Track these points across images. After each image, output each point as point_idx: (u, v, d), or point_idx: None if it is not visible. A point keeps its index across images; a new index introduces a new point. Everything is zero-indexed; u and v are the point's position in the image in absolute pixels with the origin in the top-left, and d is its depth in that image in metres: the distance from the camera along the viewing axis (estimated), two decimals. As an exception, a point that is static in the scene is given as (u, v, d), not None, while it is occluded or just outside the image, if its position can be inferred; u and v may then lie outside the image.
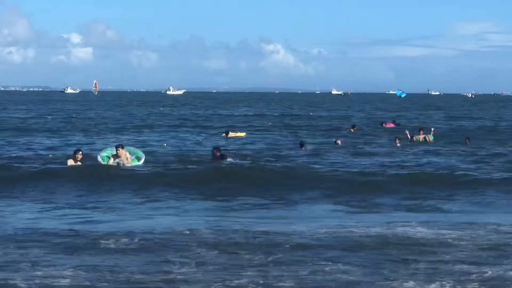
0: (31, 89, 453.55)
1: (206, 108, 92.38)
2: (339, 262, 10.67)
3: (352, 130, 44.45)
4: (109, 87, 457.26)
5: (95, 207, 16.13)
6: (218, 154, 23.55)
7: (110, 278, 9.66)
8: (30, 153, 28.12)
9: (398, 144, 32.30)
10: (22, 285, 9.28)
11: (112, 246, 11.59)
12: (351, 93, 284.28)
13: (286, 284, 9.52)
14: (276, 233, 12.79)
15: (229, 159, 23.59)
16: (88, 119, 57.39)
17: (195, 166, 22.40)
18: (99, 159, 21.73)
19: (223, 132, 41.21)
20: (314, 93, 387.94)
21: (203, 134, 42.02)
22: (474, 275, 10.01)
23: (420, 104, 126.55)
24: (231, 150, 29.52)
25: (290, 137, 39.08)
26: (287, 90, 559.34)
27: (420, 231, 13.13)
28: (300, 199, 17.58)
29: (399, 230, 13.24)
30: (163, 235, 12.49)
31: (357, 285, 9.57)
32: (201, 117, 64.69)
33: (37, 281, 9.44)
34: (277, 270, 10.22)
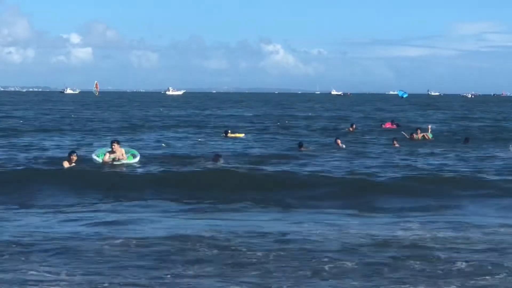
0: (30, 89, 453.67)
1: (207, 108, 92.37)
2: (338, 264, 10.64)
3: (351, 129, 44.52)
4: (109, 88, 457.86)
5: (78, 210, 16.01)
6: (219, 159, 23.23)
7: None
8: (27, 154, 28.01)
9: (397, 145, 32.22)
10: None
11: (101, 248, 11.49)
12: (350, 94, 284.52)
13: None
14: (273, 233, 12.79)
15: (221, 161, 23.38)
16: (87, 119, 57.27)
17: (195, 169, 22.06)
18: (94, 157, 21.47)
19: (222, 132, 41.19)
20: (314, 93, 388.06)
21: (202, 134, 42.00)
22: (475, 277, 9.99)
23: (420, 104, 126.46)
24: (230, 151, 29.45)
25: (289, 137, 38.99)
26: (287, 90, 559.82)
27: (418, 233, 13.12)
28: (300, 201, 17.45)
29: (400, 232, 13.23)
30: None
31: None
32: (202, 117, 64.68)
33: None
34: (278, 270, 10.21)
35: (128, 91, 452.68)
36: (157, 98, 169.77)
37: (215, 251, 11.32)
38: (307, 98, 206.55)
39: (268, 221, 14.42)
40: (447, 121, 60.99)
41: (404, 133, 36.83)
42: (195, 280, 9.69)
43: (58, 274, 9.92)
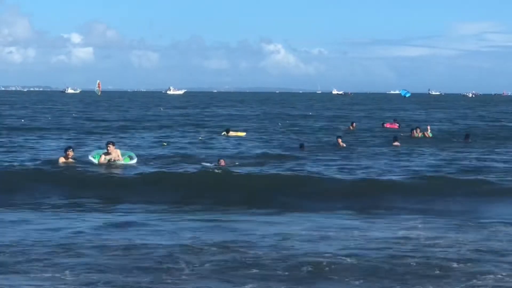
0: (31, 89, 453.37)
1: (208, 108, 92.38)
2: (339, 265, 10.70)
3: (351, 127, 44.61)
4: (110, 87, 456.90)
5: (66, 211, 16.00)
6: (223, 164, 23.11)
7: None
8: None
9: (397, 144, 32.24)
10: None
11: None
12: (351, 93, 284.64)
13: None
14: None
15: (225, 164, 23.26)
16: (87, 119, 57.31)
17: (195, 170, 21.73)
18: (90, 158, 21.42)
19: (223, 131, 41.24)
20: (316, 93, 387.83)
21: (203, 133, 42.04)
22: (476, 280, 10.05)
23: (421, 104, 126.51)
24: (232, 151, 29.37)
25: (290, 137, 38.95)
26: (288, 90, 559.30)
27: (422, 234, 13.17)
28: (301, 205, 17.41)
29: (402, 233, 13.30)
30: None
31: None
32: (203, 116, 64.67)
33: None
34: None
35: (129, 90, 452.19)
36: (158, 98, 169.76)
37: (217, 253, 11.35)
38: (308, 97, 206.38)
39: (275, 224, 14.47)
40: (449, 120, 61.05)
41: (402, 135, 36.85)
42: (196, 283, 9.72)
43: (59, 275, 9.97)
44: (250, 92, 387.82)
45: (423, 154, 28.57)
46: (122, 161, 21.34)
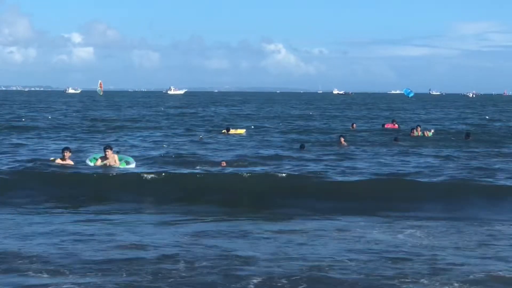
0: (32, 88, 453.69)
1: (208, 107, 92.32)
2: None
3: (351, 128, 44.68)
4: (111, 87, 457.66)
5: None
6: (224, 165, 22.99)
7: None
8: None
9: (400, 142, 32.21)
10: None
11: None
12: (352, 93, 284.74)
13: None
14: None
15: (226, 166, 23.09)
16: (87, 119, 57.22)
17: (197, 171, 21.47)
18: (87, 161, 21.22)
19: (223, 129, 41.29)
20: (317, 92, 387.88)
21: (204, 131, 42.07)
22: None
23: (423, 103, 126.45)
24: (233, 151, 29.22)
25: (291, 137, 38.89)
26: (289, 89, 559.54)
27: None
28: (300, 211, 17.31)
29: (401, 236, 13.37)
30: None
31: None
32: (203, 115, 64.60)
33: None
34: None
35: (129, 90, 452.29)
36: (159, 97, 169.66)
37: (215, 257, 11.32)
38: (309, 97, 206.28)
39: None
40: (449, 120, 61.03)
41: (398, 142, 36.85)
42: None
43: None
44: (250, 92, 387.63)
45: (425, 155, 28.43)
46: (119, 166, 21.06)
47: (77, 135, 38.25)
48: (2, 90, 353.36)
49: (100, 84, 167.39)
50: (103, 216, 15.10)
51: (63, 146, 23.94)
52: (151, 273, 10.12)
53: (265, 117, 65.16)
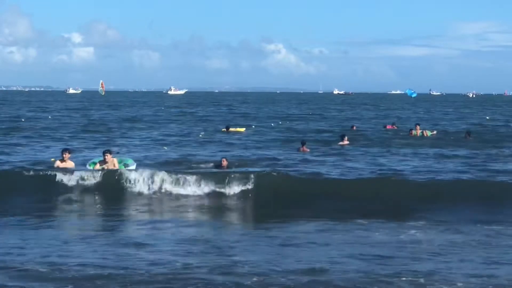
0: (32, 88, 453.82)
1: (208, 106, 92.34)
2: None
3: (351, 129, 44.71)
4: (111, 87, 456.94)
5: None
6: (225, 163, 22.79)
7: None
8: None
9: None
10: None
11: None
12: (352, 93, 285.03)
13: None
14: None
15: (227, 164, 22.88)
16: (88, 119, 57.20)
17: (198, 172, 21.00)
18: (87, 166, 20.98)
19: (223, 127, 41.35)
20: (317, 92, 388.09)
21: (203, 131, 42.10)
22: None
23: (424, 103, 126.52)
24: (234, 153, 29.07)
25: (289, 137, 38.83)
26: (290, 89, 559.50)
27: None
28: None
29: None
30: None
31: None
32: (203, 114, 64.54)
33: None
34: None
35: (130, 90, 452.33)
36: (159, 97, 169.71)
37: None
38: (309, 97, 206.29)
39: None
40: (450, 120, 61.05)
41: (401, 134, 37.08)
42: None
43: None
44: (251, 92, 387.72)
45: (428, 155, 28.32)
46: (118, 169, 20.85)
47: (77, 135, 38.21)
48: (2, 90, 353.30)
49: (102, 84, 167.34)
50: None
51: (63, 147, 23.76)
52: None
53: (265, 116, 65.16)
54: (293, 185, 19.01)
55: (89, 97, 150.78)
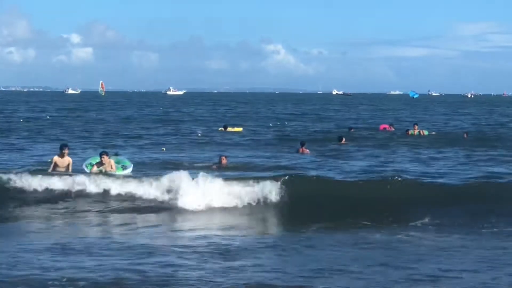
0: (31, 89, 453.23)
1: (207, 106, 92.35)
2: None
3: (349, 131, 44.82)
4: (110, 88, 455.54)
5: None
6: (225, 162, 22.73)
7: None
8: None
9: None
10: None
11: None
12: (351, 93, 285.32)
13: None
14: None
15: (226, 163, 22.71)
16: (86, 120, 57.22)
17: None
18: (83, 167, 20.89)
19: (221, 127, 41.48)
20: (316, 93, 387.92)
21: (201, 128, 42.22)
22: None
23: (421, 105, 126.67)
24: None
25: (288, 137, 38.86)
26: (289, 90, 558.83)
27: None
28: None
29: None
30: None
31: None
32: (202, 113, 64.55)
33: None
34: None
35: (128, 91, 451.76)
36: (158, 98, 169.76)
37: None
38: (308, 98, 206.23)
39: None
40: (448, 120, 61.18)
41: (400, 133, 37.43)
42: None
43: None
44: (250, 93, 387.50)
45: (427, 157, 28.36)
46: (115, 171, 20.77)
47: (76, 135, 38.26)
48: (1, 91, 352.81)
49: (102, 84, 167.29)
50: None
51: (61, 143, 23.41)
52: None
53: (262, 117, 65.22)
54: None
55: (88, 98, 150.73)
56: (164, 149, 30.95)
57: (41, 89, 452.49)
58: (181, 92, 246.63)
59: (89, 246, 12.77)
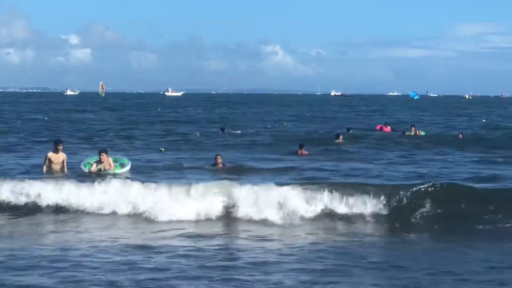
0: (30, 90, 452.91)
1: (206, 107, 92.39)
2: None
3: (349, 131, 44.95)
4: (108, 89, 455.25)
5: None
6: (220, 161, 22.61)
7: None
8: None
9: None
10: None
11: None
12: (349, 95, 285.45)
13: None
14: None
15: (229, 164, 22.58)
16: (85, 120, 57.26)
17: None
18: (81, 166, 20.92)
19: (219, 129, 41.55)
20: (315, 94, 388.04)
21: (200, 130, 42.30)
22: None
23: (419, 105, 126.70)
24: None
25: (288, 136, 38.93)
26: (287, 91, 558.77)
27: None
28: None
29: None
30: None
31: None
32: (201, 113, 64.59)
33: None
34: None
35: (127, 92, 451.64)
36: (156, 99, 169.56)
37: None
38: (307, 99, 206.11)
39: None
40: (444, 121, 61.25)
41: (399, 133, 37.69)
42: None
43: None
44: (248, 94, 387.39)
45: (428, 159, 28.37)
46: (113, 169, 20.85)
47: (73, 136, 38.28)
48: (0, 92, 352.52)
49: (102, 85, 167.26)
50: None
51: (56, 139, 23.26)
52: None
53: (262, 118, 65.26)
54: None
55: (87, 99, 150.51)
56: (163, 149, 30.94)
57: (39, 90, 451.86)
58: (179, 94, 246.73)
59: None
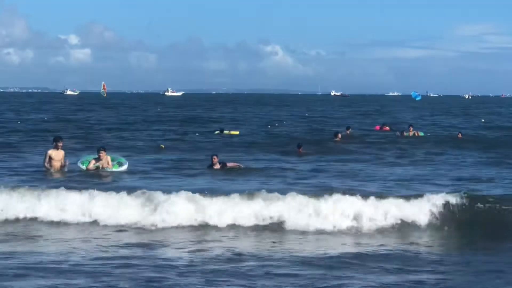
0: (30, 90, 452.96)
1: (205, 108, 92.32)
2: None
3: (347, 132, 44.91)
4: (108, 89, 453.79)
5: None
6: (216, 160, 22.57)
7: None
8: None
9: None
10: None
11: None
12: (348, 95, 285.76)
13: None
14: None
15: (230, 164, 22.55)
16: (86, 120, 57.18)
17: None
18: (79, 164, 20.84)
19: (218, 130, 41.49)
20: (315, 94, 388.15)
21: (199, 131, 42.30)
22: None
23: (418, 106, 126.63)
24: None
25: (287, 137, 38.92)
26: (287, 91, 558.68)
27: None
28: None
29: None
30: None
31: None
32: (200, 114, 64.55)
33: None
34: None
35: (126, 92, 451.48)
36: (156, 99, 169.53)
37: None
38: (307, 99, 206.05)
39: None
40: (443, 121, 61.28)
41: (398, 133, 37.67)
42: None
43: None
44: (248, 94, 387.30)
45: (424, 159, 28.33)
46: (111, 168, 20.83)
47: (73, 135, 38.26)
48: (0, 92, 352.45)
49: (104, 86, 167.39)
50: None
51: (55, 135, 23.26)
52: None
53: (261, 119, 65.27)
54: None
55: (88, 99, 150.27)
56: (163, 146, 30.79)
57: (39, 90, 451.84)
58: (179, 94, 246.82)
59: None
